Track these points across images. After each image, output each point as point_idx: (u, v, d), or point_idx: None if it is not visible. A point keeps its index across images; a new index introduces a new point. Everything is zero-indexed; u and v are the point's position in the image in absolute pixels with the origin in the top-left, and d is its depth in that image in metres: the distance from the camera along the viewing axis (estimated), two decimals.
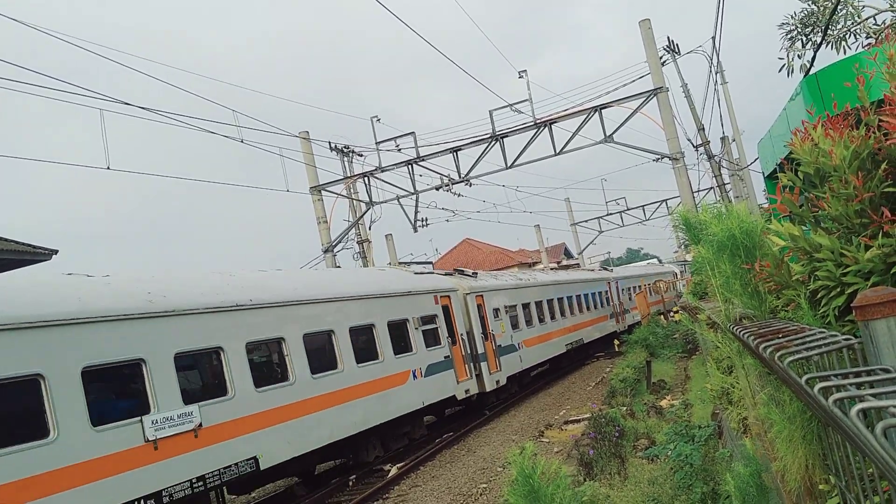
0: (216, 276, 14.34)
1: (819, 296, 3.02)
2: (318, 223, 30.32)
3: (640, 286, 47.36)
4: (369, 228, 31.48)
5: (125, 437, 10.60)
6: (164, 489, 10.93)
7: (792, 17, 13.75)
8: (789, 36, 13.76)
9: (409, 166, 29.14)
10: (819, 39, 12.64)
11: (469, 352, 21.26)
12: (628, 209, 56.65)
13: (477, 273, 25.90)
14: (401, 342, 18.14)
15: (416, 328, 18.89)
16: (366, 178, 30.21)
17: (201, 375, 12.63)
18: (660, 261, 79.64)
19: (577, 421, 18.91)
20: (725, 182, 33.25)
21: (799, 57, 13.48)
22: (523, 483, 6.43)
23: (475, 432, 20.28)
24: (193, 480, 11.43)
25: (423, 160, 28.90)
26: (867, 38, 12.84)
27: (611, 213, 56.61)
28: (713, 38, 34.62)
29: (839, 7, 12.41)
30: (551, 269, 45.93)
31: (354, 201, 31.02)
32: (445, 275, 23.49)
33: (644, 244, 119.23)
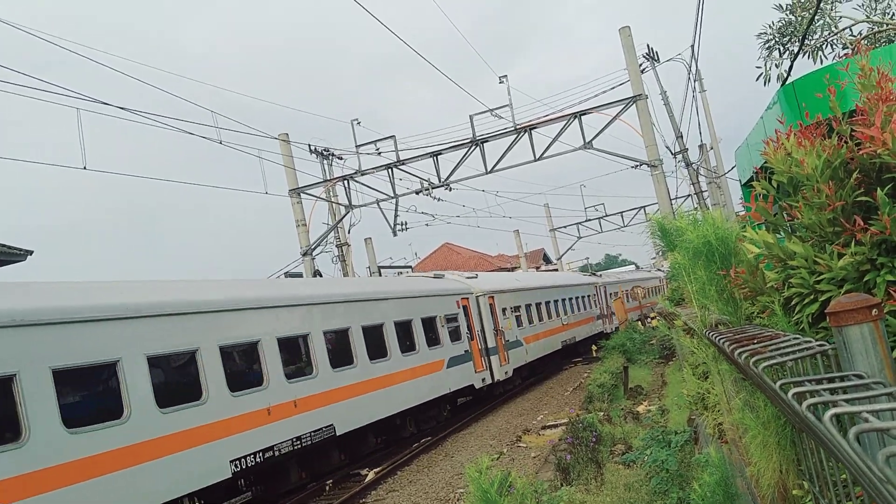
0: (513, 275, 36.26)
1: (793, 302, 3.05)
2: (297, 226, 30.17)
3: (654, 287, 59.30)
4: (348, 232, 31.43)
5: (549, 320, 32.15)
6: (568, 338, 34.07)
7: (770, 26, 13.90)
8: (767, 45, 13.92)
9: (390, 170, 29.09)
10: (796, 49, 12.80)
11: (602, 313, 41.79)
12: (607, 215, 56.91)
13: (602, 274, 51.29)
14: (586, 305, 38.83)
15: (588, 298, 39.34)
16: (345, 182, 30.12)
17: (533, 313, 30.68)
18: (637, 267, 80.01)
19: (555, 426, 18.95)
20: (703, 189, 33.55)
21: (776, 66, 13.64)
22: (481, 497, 6.47)
23: (453, 437, 20.26)
24: (570, 338, 33.91)
25: (403, 164, 28.86)
26: (843, 48, 13.03)
27: (589, 219, 56.91)
28: (692, 46, 34.88)
29: (816, 18, 12.57)
30: (628, 270, 71.79)
31: (334, 204, 30.92)
32: (591, 275, 47.27)
33: (622, 250, 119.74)
